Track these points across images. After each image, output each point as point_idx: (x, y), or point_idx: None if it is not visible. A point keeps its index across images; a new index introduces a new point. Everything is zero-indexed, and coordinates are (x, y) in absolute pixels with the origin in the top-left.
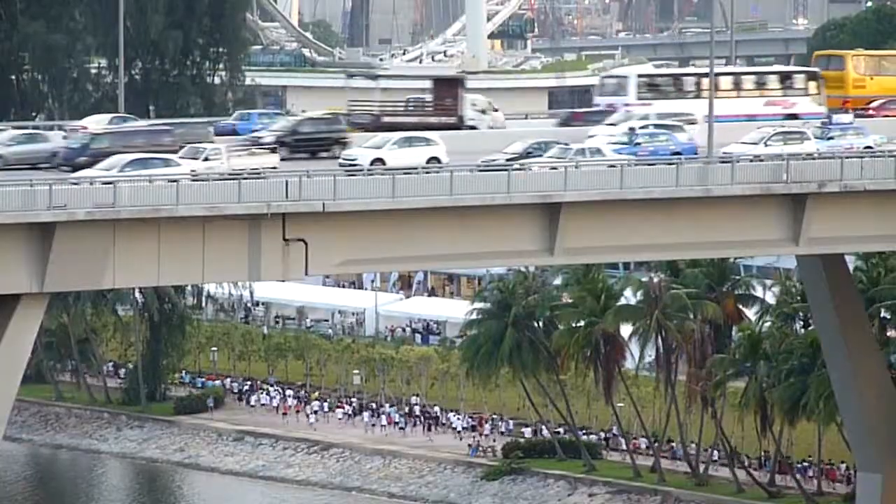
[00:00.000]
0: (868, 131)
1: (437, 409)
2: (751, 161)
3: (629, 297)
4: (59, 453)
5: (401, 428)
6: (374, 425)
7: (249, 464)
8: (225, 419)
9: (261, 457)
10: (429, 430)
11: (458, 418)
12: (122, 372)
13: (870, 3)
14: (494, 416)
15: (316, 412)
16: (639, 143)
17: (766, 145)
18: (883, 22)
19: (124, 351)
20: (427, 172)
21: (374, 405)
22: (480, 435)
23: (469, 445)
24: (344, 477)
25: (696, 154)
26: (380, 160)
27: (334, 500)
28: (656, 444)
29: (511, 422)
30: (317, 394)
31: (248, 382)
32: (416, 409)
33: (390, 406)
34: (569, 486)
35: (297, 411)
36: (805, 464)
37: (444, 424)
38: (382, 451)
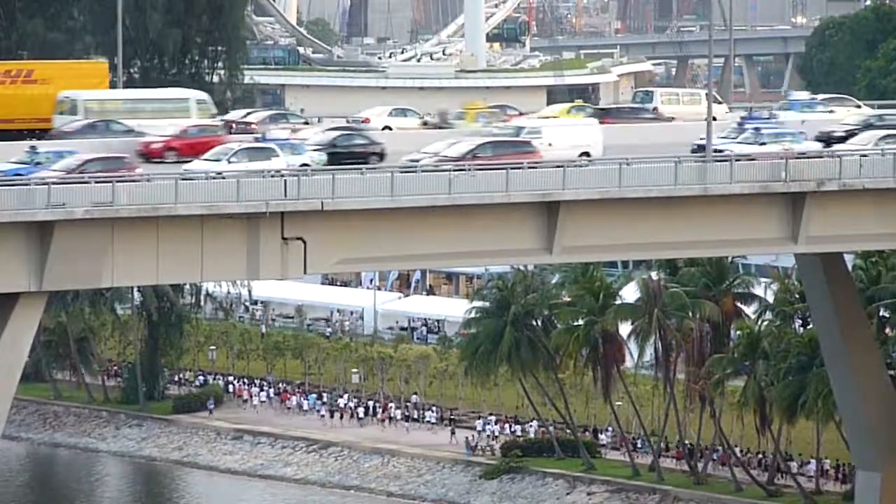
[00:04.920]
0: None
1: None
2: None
3: (628, 296)
4: (57, 452)
5: (329, 413)
6: (292, 406)
7: (248, 462)
8: (223, 418)
9: (259, 455)
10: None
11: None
12: (120, 370)
13: (868, 2)
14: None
15: (263, 402)
16: (39, 163)
17: (230, 162)
18: (882, 21)
19: (123, 350)
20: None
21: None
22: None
23: (466, 440)
24: (342, 476)
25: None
26: None
27: (333, 499)
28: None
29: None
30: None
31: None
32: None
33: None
34: (567, 485)
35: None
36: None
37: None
38: (381, 449)
